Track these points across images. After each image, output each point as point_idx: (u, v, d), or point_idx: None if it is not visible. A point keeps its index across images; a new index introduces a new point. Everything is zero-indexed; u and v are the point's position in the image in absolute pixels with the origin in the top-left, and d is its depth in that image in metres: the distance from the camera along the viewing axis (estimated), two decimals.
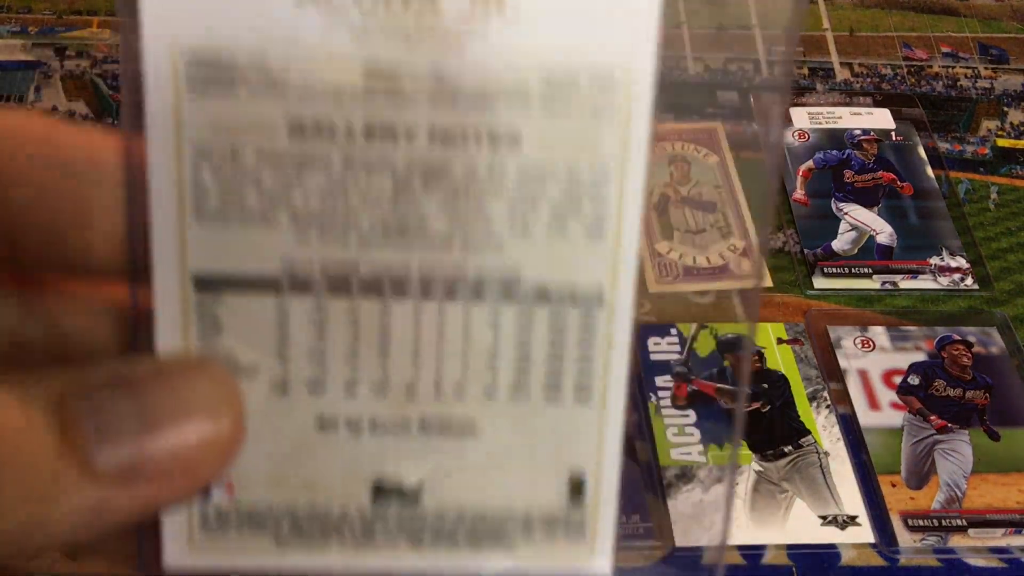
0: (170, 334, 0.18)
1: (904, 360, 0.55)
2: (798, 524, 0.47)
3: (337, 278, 0.18)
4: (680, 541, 0.46)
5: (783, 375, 0.53)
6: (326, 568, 0.19)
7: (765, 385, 0.53)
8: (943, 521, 0.48)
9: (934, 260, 0.60)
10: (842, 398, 0.53)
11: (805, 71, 0.75)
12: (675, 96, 0.19)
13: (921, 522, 0.48)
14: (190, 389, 0.17)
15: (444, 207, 0.18)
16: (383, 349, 0.19)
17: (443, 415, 0.19)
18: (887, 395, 0.53)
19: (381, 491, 0.19)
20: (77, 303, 0.19)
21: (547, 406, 0.19)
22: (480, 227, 0.18)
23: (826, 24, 0.79)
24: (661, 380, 0.52)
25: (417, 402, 0.19)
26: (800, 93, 0.70)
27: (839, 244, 0.61)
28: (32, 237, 0.18)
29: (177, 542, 0.19)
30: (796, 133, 0.66)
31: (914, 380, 0.54)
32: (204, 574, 0.19)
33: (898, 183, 0.64)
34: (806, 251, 0.60)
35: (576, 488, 0.20)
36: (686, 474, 0.49)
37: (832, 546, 0.47)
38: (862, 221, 0.62)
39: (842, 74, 0.75)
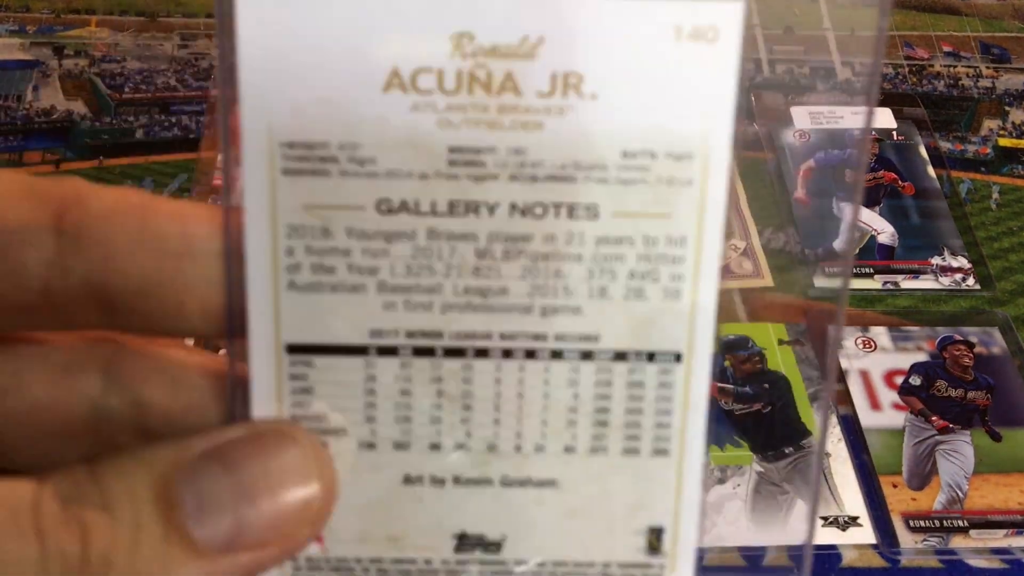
0: (265, 400, 0.19)
1: (905, 360, 0.54)
2: (799, 525, 0.47)
3: (421, 343, 0.19)
4: None
5: (784, 376, 0.53)
6: None
7: (766, 386, 0.53)
8: (944, 522, 0.48)
9: (936, 260, 0.60)
10: (843, 399, 0.53)
11: (806, 71, 0.74)
12: None
13: (922, 523, 0.48)
14: (283, 458, 0.18)
15: (524, 274, 0.19)
16: (465, 409, 0.20)
17: (523, 470, 0.20)
18: (888, 395, 0.53)
19: (464, 541, 0.20)
20: (156, 374, 0.19)
21: (625, 461, 0.20)
22: (559, 292, 0.19)
23: (827, 23, 0.78)
24: None
25: (498, 458, 0.20)
26: (800, 92, 0.70)
27: (840, 244, 0.61)
28: (128, 310, 0.18)
29: None
30: (796, 133, 0.66)
31: (915, 380, 0.54)
32: None
33: (899, 183, 0.64)
34: (807, 251, 0.60)
35: (654, 539, 0.20)
36: None
37: (833, 547, 0.47)
38: (863, 221, 0.62)
39: (843, 73, 0.75)
